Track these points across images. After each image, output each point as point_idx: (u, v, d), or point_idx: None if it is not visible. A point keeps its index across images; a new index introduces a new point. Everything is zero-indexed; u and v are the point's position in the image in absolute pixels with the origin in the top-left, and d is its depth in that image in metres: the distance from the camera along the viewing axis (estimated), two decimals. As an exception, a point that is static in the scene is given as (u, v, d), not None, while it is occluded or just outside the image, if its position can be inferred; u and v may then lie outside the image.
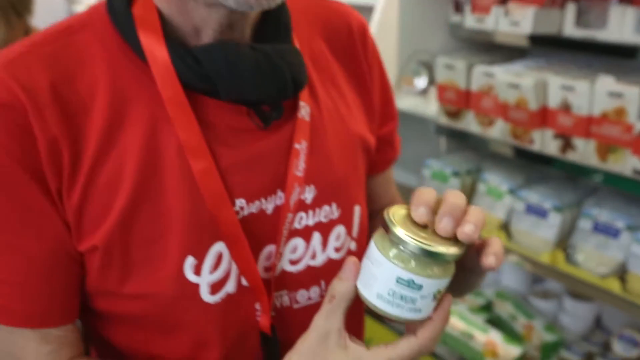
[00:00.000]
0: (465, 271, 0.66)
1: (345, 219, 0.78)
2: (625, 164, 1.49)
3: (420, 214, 0.61)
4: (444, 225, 0.59)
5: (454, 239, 0.60)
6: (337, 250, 0.77)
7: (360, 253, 0.80)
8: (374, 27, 2.01)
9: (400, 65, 2.16)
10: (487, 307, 2.00)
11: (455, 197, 0.61)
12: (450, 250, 0.58)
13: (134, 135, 0.66)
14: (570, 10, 1.62)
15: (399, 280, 0.60)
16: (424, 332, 0.64)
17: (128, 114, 0.66)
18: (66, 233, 0.66)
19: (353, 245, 0.80)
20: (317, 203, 0.75)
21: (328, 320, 0.64)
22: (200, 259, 0.68)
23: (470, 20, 1.83)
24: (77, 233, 0.66)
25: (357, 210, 0.80)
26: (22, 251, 0.66)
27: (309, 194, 0.74)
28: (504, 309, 1.96)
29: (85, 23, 0.68)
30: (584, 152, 1.57)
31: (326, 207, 0.76)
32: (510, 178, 1.87)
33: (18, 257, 0.65)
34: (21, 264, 0.66)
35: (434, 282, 0.60)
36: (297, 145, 0.72)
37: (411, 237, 0.58)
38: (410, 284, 0.59)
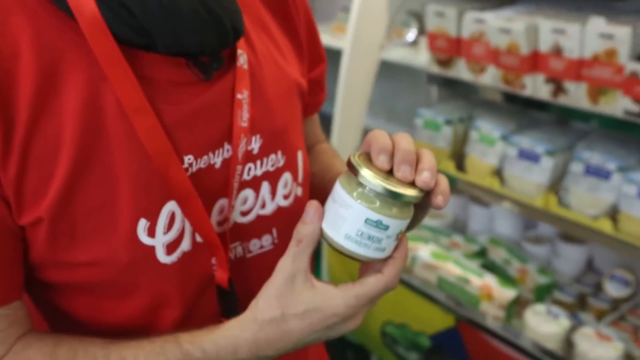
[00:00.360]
0: (415, 209, 0.68)
1: (290, 166, 0.78)
2: (616, 105, 1.51)
3: (382, 161, 0.63)
4: (402, 173, 0.63)
5: (412, 183, 0.64)
6: (285, 197, 0.78)
7: (306, 198, 0.82)
8: (363, -24, 2.00)
9: (390, 16, 2.15)
10: (481, 253, 2.03)
11: (406, 142, 0.64)
12: (414, 193, 0.63)
13: (70, 98, 0.61)
14: (560, -48, 1.62)
15: (367, 221, 0.63)
16: (389, 270, 0.67)
17: (61, 75, 0.61)
18: (5, 209, 0.62)
19: (299, 191, 0.80)
20: (263, 152, 0.74)
21: (295, 263, 0.65)
22: (153, 221, 0.66)
23: (460, -33, 1.81)
24: (18, 206, 0.62)
25: (300, 156, 0.79)
26: None
27: (255, 144, 0.73)
28: (498, 255, 1.99)
29: None
30: (575, 95, 1.58)
31: (272, 156, 0.75)
32: (502, 124, 1.89)
33: None
34: None
35: (399, 223, 0.64)
36: (239, 96, 0.70)
37: (380, 182, 0.62)
38: (378, 224, 0.63)
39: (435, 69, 1.93)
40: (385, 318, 2.02)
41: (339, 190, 0.65)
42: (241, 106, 0.70)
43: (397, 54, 2.14)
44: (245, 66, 0.72)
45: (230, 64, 0.71)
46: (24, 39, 0.59)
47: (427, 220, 2.23)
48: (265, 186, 0.75)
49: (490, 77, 1.77)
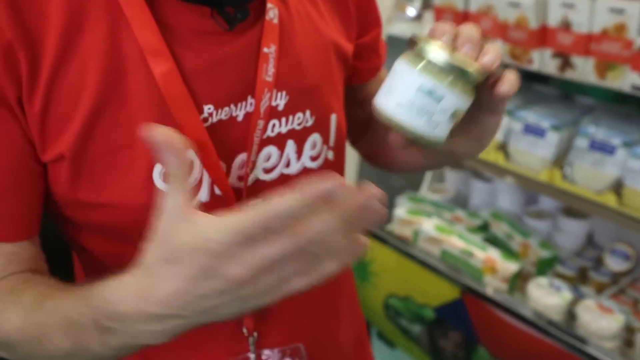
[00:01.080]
0: (480, 108, 0.68)
1: (320, 127, 0.76)
2: (624, 80, 1.52)
3: (445, 39, 0.63)
4: (466, 50, 0.62)
5: None
6: (313, 159, 0.76)
7: (338, 163, 0.81)
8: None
9: (395, -11, 2.14)
10: (483, 227, 2.05)
11: (472, 29, 0.64)
12: (474, 66, 0.61)
13: (94, 40, 0.62)
14: None
15: (420, 88, 0.61)
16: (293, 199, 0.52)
17: (86, 17, 0.62)
18: (29, 147, 0.63)
19: (331, 155, 0.78)
20: (289, 110, 0.73)
21: (169, 200, 0.55)
22: None
23: (468, -60, 1.81)
24: (42, 142, 0.63)
25: (333, 119, 0.78)
26: None
27: (280, 101, 0.72)
28: (500, 229, 2.01)
29: None
30: (583, 70, 1.59)
31: (299, 114, 0.74)
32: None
33: None
34: None
35: (454, 98, 0.61)
36: (265, 49, 0.69)
37: (439, 49, 0.61)
38: (431, 93, 0.61)
39: (442, 43, 1.93)
40: (388, 291, 2.04)
41: (396, 64, 0.64)
42: (267, 60, 0.69)
43: (402, 29, 2.14)
44: (275, 20, 0.71)
45: (258, 17, 0.70)
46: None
47: (430, 195, 2.25)
48: (290, 145, 0.74)
49: (497, 52, 1.77)
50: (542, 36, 1.65)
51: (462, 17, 1.84)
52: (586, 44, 1.57)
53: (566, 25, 1.59)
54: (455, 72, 0.61)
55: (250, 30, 0.69)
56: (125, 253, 0.68)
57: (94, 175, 0.65)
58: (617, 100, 1.57)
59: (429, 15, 2.07)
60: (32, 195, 0.66)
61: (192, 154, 0.66)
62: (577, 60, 1.59)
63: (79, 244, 0.74)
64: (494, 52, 0.63)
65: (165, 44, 0.63)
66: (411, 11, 2.24)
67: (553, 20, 1.61)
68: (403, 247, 2.00)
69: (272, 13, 0.71)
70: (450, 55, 0.60)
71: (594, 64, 1.57)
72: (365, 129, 0.93)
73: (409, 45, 0.63)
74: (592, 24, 1.55)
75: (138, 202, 0.65)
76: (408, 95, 0.61)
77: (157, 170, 0.65)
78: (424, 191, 2.30)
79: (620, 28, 1.49)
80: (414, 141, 0.65)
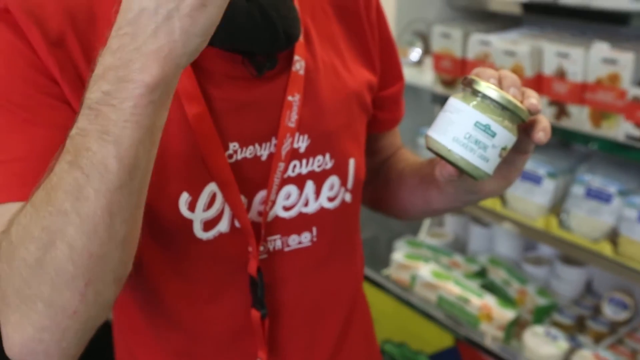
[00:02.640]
0: (513, 150, 0.71)
1: (339, 170, 0.80)
2: (618, 129, 1.52)
3: (493, 81, 0.68)
4: (513, 92, 0.67)
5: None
6: (330, 199, 0.80)
7: (354, 206, 0.85)
8: (370, -4, 2.02)
9: (396, 36, 2.17)
10: (481, 273, 2.04)
11: (513, 75, 0.69)
12: (524, 107, 0.67)
13: None
14: (566, -22, 1.64)
15: (477, 124, 0.66)
16: None
17: None
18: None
19: (348, 197, 0.83)
20: (310, 152, 0.77)
21: None
22: (194, 196, 0.71)
23: (466, -11, 1.84)
24: None
25: (351, 163, 0.82)
26: (30, 136, 0.63)
27: (302, 143, 0.76)
28: (498, 275, 2.00)
29: None
30: (578, 118, 1.60)
31: (319, 157, 0.78)
32: (504, 146, 1.90)
33: (21, 138, 0.63)
34: (24, 145, 0.63)
35: (505, 134, 0.66)
36: (290, 98, 0.74)
37: (494, 89, 0.66)
38: (487, 128, 0.66)
39: (440, 89, 1.95)
40: (384, 336, 2.02)
41: (451, 101, 0.69)
42: (291, 107, 0.74)
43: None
44: (301, 72, 0.76)
45: (286, 67, 0.75)
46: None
47: (428, 239, 2.24)
48: (309, 185, 0.78)
49: (493, 99, 1.78)
50: (538, 84, 1.66)
51: (460, 63, 1.86)
52: (581, 93, 1.58)
53: (561, 74, 1.60)
54: (509, 111, 0.66)
55: (277, 79, 0.74)
56: (144, 272, 0.74)
57: None
58: (613, 148, 1.57)
59: (428, 61, 2.09)
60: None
61: (215, 188, 0.71)
62: (573, 108, 1.60)
63: None
64: (536, 97, 0.68)
65: (199, 87, 0.69)
66: (414, 56, 2.27)
67: (548, 69, 1.63)
68: (400, 293, 1.99)
69: (299, 65, 0.75)
70: (506, 95, 0.65)
71: (588, 113, 1.58)
72: (374, 177, 0.98)
73: (463, 84, 0.68)
74: (586, 73, 1.56)
75: (163, 225, 0.71)
76: (465, 130, 0.66)
77: (184, 198, 0.71)
78: (423, 235, 2.29)
79: (614, 78, 1.50)
80: (466, 174, 0.69)
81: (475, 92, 0.67)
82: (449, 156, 0.67)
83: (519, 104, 0.66)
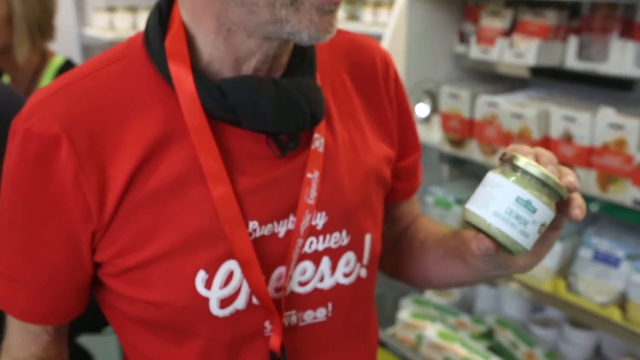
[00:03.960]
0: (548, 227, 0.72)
1: (355, 246, 0.81)
2: (625, 194, 1.52)
3: (531, 158, 0.69)
4: (550, 169, 0.68)
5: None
6: (345, 275, 0.81)
7: (370, 281, 0.85)
8: (380, 56, 2.05)
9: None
10: (488, 335, 2.01)
11: (549, 152, 0.71)
12: (563, 184, 0.67)
13: (170, 164, 0.71)
14: (573, 43, 1.66)
15: (518, 200, 0.66)
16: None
17: (169, 146, 0.71)
18: (87, 258, 0.73)
19: (364, 272, 0.83)
20: (327, 229, 0.78)
21: None
22: (211, 274, 0.72)
23: (475, 51, 1.87)
24: (101, 245, 0.72)
25: (367, 239, 0.83)
26: (40, 260, 0.73)
27: (320, 220, 0.77)
28: (505, 337, 1.97)
29: (124, 55, 0.74)
30: (585, 182, 1.60)
31: (336, 234, 0.79)
32: (512, 206, 1.89)
33: (33, 262, 0.73)
34: (35, 268, 0.73)
35: (545, 211, 0.67)
36: (309, 175, 0.76)
37: (535, 165, 0.67)
38: (528, 204, 0.66)
39: (447, 148, 1.96)
40: (388, 396, 1.98)
41: (491, 176, 0.69)
42: (310, 184, 0.76)
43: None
44: (321, 149, 0.77)
45: (306, 144, 0.77)
46: (157, 124, 0.71)
47: (435, 298, 2.22)
48: (325, 261, 0.79)
49: (501, 160, 1.79)
50: (545, 147, 1.66)
51: (468, 124, 1.88)
52: (588, 156, 1.58)
53: (568, 138, 1.61)
54: (549, 187, 0.67)
55: (297, 157, 0.76)
56: (160, 347, 0.77)
57: (147, 277, 0.72)
58: (620, 212, 1.56)
59: (436, 119, 2.11)
60: (80, 291, 0.76)
61: (233, 265, 0.72)
62: (579, 172, 1.61)
63: (122, 334, 0.80)
64: (573, 175, 0.70)
65: (225, 169, 0.71)
66: (424, 113, 2.29)
67: (555, 132, 1.64)
68: (406, 354, 1.96)
69: (318, 142, 0.77)
70: (546, 172, 0.66)
71: (595, 177, 1.58)
72: (394, 246, 0.99)
73: (502, 159, 0.70)
74: (593, 137, 1.57)
75: (179, 303, 0.72)
76: (506, 205, 0.67)
77: (201, 276, 0.72)
78: (430, 294, 2.27)
79: (621, 143, 1.51)
80: (503, 248, 0.69)
81: (515, 168, 0.67)
82: (488, 230, 0.68)
83: (558, 180, 0.67)
